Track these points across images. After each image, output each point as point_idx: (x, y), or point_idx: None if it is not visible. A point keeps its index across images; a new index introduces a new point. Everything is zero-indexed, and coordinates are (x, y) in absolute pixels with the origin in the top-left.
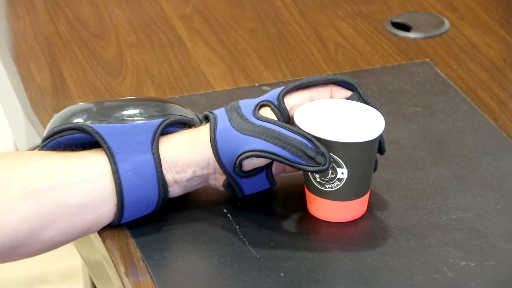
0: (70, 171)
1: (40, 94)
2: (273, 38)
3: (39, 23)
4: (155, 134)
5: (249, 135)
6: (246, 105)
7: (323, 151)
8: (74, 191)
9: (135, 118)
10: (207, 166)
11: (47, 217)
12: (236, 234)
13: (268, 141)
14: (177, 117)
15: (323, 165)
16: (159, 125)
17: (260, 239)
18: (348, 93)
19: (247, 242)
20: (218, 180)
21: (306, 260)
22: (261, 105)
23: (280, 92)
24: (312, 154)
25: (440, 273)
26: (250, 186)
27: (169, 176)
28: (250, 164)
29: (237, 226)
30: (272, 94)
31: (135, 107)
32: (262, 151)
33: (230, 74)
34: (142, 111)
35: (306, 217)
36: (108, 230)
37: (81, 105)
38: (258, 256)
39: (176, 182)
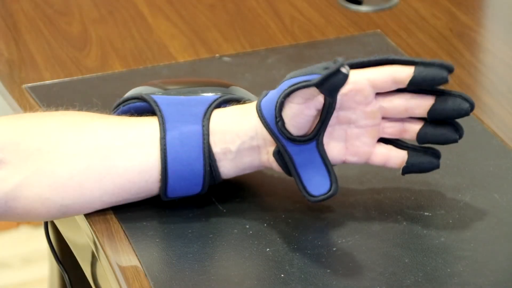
0: (121, 133)
1: (8, 67)
2: (231, 13)
3: (3, 1)
4: (209, 107)
5: (282, 82)
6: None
7: (341, 59)
8: (122, 152)
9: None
10: (255, 136)
11: (94, 175)
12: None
13: (296, 76)
14: (235, 96)
15: (342, 62)
16: (216, 99)
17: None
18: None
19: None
20: (270, 153)
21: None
22: None
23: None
24: (333, 64)
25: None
26: (301, 156)
27: (217, 149)
28: (292, 117)
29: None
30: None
31: (199, 90)
32: (291, 85)
33: (192, 47)
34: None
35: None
36: (95, 213)
37: (146, 88)
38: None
39: (225, 155)
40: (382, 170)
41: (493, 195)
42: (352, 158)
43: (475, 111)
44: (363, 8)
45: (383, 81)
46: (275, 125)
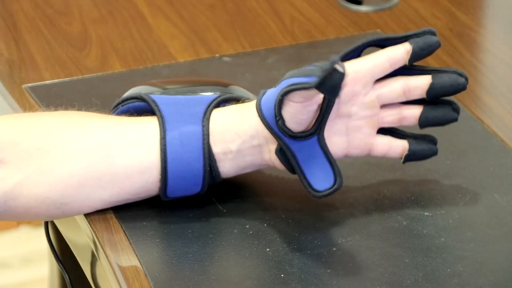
0: (121, 132)
1: (8, 67)
2: (231, 13)
3: (3, 1)
4: (208, 106)
5: (281, 81)
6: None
7: (336, 58)
8: (122, 151)
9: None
10: (256, 134)
11: (95, 173)
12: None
13: (295, 76)
14: (234, 95)
15: (335, 61)
16: (215, 99)
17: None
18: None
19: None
20: (272, 151)
21: (270, 214)
22: None
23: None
24: (327, 65)
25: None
26: (304, 152)
27: (217, 149)
28: (294, 114)
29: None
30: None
31: (198, 90)
32: (290, 85)
33: (192, 47)
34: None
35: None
36: (95, 213)
37: (145, 88)
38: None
39: (225, 154)
40: (382, 170)
41: (493, 195)
42: (354, 151)
43: (475, 111)
44: (363, 8)
45: (382, 64)
46: (275, 124)
